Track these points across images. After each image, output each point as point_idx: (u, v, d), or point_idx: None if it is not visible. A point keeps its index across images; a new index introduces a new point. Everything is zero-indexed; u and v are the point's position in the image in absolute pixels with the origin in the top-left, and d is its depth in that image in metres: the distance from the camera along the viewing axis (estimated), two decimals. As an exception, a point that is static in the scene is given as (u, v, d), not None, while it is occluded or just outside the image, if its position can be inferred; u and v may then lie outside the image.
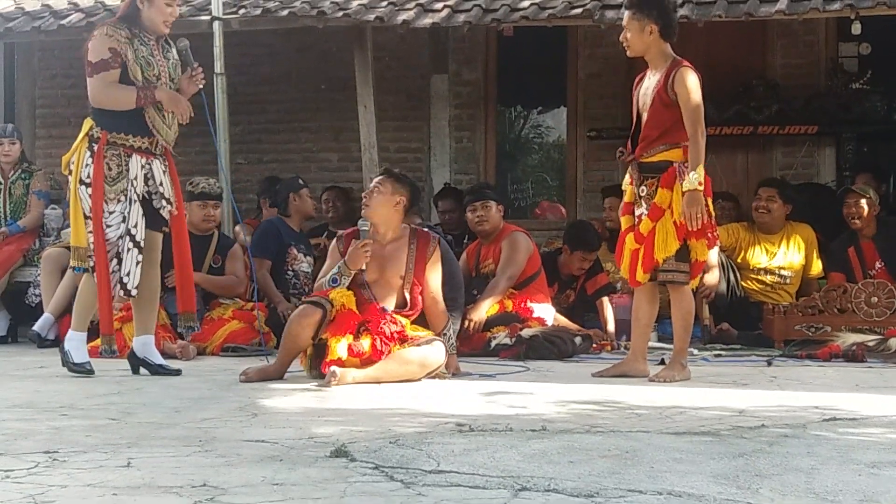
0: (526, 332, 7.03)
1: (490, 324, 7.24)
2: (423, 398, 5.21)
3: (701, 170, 5.75)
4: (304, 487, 3.25)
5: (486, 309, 7.29)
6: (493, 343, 7.11)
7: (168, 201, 6.22)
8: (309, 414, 4.72)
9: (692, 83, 5.83)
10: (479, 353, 7.04)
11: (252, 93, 10.46)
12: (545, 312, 7.41)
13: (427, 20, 8.48)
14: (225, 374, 6.20)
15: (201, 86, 6.28)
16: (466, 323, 7.20)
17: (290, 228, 8.29)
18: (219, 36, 8.56)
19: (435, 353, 5.81)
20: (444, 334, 5.96)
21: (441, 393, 5.40)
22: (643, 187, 5.95)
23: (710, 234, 5.91)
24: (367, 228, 6.02)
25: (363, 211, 6.11)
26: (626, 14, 6.02)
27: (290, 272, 8.14)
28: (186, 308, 6.41)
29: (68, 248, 8.06)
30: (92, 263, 6.01)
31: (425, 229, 6.25)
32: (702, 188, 5.76)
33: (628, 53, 6.11)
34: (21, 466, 3.54)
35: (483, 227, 7.71)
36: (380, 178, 6.17)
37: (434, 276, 6.06)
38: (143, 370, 6.15)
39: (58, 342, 7.83)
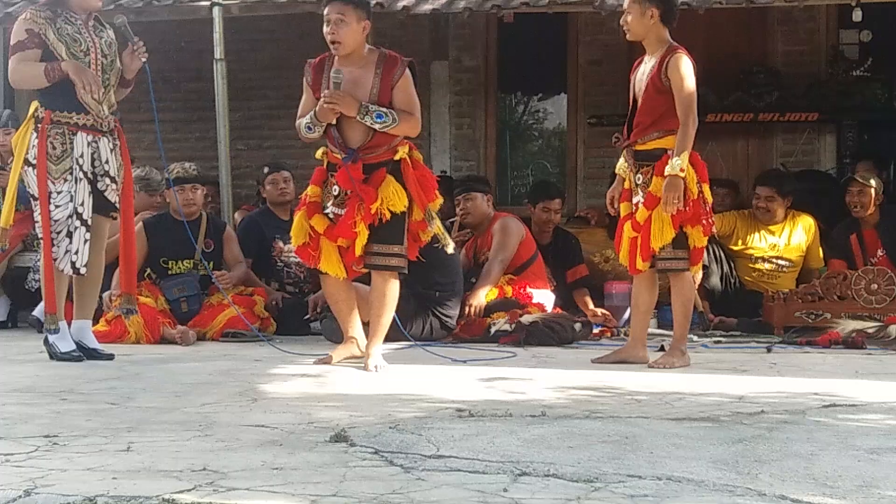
0: (526, 319, 7.03)
1: (490, 310, 7.25)
2: (423, 383, 5.22)
3: (685, 156, 5.74)
4: (303, 472, 3.26)
5: (484, 294, 7.30)
6: (493, 329, 7.10)
7: (113, 180, 6.15)
8: (309, 399, 4.72)
9: (686, 69, 5.82)
10: (479, 339, 7.04)
11: (252, 78, 10.46)
12: (545, 298, 7.43)
13: (427, 6, 8.47)
14: (225, 359, 6.21)
15: (143, 59, 6.23)
16: (466, 309, 7.22)
17: (277, 219, 8.20)
18: (219, 21, 8.54)
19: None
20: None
21: (441, 378, 5.40)
22: (639, 175, 5.95)
23: (704, 221, 5.89)
24: (339, 80, 5.73)
25: (333, 48, 5.80)
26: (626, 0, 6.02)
27: (279, 264, 8.12)
28: (128, 290, 6.39)
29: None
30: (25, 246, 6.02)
31: (395, 54, 5.89)
32: (683, 174, 5.73)
33: (628, 37, 6.10)
34: (21, 450, 3.54)
35: (466, 219, 7.80)
36: (338, 7, 5.81)
37: (400, 96, 5.77)
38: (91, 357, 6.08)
39: (58, 327, 7.86)
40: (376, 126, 5.70)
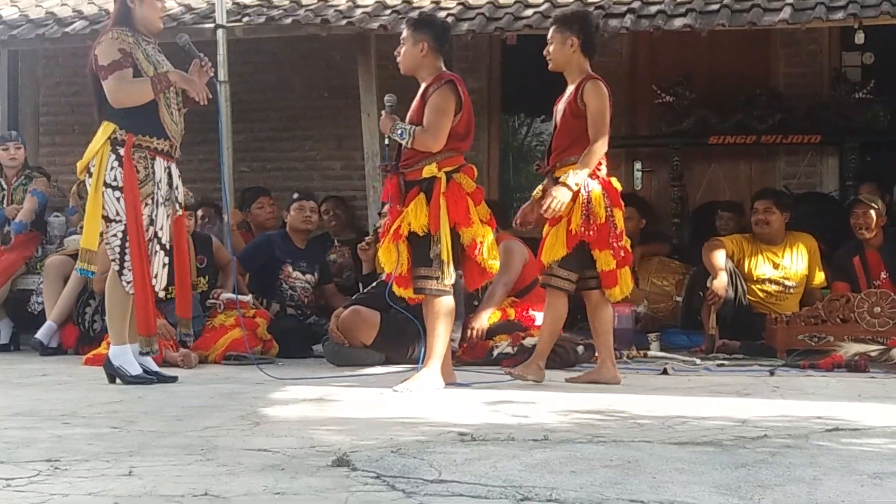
0: (528, 341, 7.01)
1: (492, 332, 7.25)
2: (425, 407, 5.21)
3: (583, 174, 5.90)
4: (305, 496, 3.25)
5: (486, 317, 7.30)
6: (496, 352, 7.10)
7: (181, 206, 6.29)
8: (310, 423, 4.72)
9: (599, 93, 6.00)
10: (482, 362, 7.04)
11: (256, 101, 10.47)
12: (547, 321, 7.41)
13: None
14: (227, 382, 6.20)
15: (211, 73, 6.31)
16: (468, 332, 7.22)
17: (292, 245, 8.25)
18: (222, 44, 8.58)
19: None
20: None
21: (443, 402, 5.39)
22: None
23: (614, 245, 6.00)
24: (391, 104, 6.06)
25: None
26: (551, 31, 6.23)
27: (284, 286, 8.14)
28: (184, 314, 6.42)
29: (71, 255, 8.16)
30: (116, 267, 6.01)
31: (444, 74, 6.02)
32: (576, 189, 5.89)
33: (549, 67, 6.25)
34: (22, 475, 3.54)
35: None
36: (403, 32, 6.12)
37: (426, 112, 5.92)
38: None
39: (60, 350, 7.88)
40: (397, 140, 5.94)
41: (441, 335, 5.92)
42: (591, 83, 6.03)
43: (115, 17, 6.22)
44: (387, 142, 6.11)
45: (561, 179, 5.92)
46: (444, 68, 6.05)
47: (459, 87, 5.99)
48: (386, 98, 6.14)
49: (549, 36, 6.20)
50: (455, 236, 5.88)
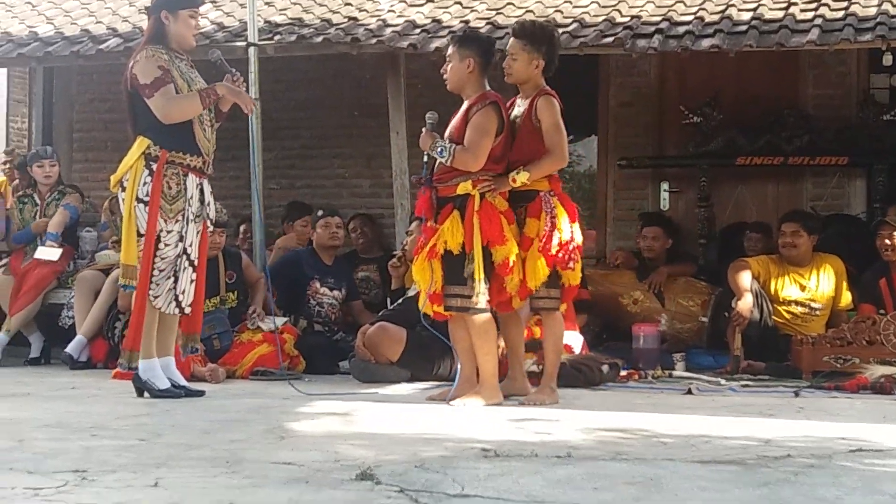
0: (553, 360, 7.03)
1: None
2: (450, 423, 5.24)
3: (527, 176, 5.97)
4: (329, 509, 3.29)
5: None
6: (521, 369, 7.11)
7: (212, 223, 6.37)
8: (335, 437, 4.76)
9: (552, 107, 6.07)
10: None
11: (286, 118, 10.55)
12: (573, 340, 7.43)
13: (459, 48, 8.51)
14: (254, 397, 6.26)
15: (243, 88, 6.39)
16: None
17: (320, 261, 8.32)
18: (254, 62, 8.65)
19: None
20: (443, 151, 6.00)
21: (467, 418, 5.43)
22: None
23: (572, 266, 6.10)
24: (432, 121, 6.16)
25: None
26: (515, 42, 6.21)
27: (312, 302, 8.20)
28: (192, 329, 6.47)
29: (102, 270, 8.25)
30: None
31: (487, 93, 6.11)
32: (515, 185, 5.98)
33: (507, 80, 6.28)
34: (51, 485, 3.59)
35: None
36: (448, 49, 6.21)
37: (468, 131, 6.01)
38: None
39: (90, 364, 7.95)
40: (436, 157, 6.01)
41: (487, 352, 6.01)
42: (545, 99, 6.09)
43: (149, 35, 6.29)
44: (426, 158, 6.16)
45: (511, 175, 6.00)
46: (487, 86, 6.12)
47: (503, 108, 6.05)
48: (427, 115, 6.21)
49: (510, 47, 6.23)
50: (486, 254, 5.93)
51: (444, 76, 6.21)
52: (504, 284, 6.02)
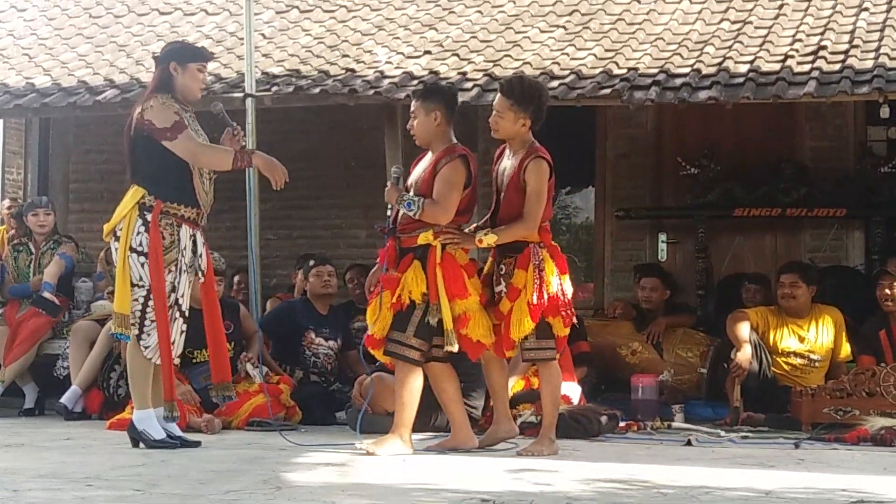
0: (551, 411, 7.00)
1: (516, 401, 7.20)
2: (448, 473, 5.20)
3: (495, 238, 5.99)
4: (326, 560, 3.24)
5: (510, 386, 7.28)
6: (519, 421, 7.05)
7: (204, 274, 6.31)
8: (333, 488, 4.71)
9: (540, 173, 6.04)
10: (505, 431, 7.01)
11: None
12: (571, 391, 7.39)
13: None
14: (250, 447, 6.21)
15: (244, 143, 6.40)
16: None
17: (314, 311, 8.30)
18: (251, 113, 8.67)
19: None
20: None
21: (464, 469, 5.38)
22: (502, 265, 6.14)
23: (564, 312, 6.09)
24: (397, 175, 6.19)
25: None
26: (502, 100, 6.16)
27: (307, 353, 8.17)
28: (223, 378, 6.42)
29: (98, 320, 8.22)
30: (136, 332, 6.04)
31: (454, 147, 6.11)
32: (482, 245, 6.02)
33: (493, 135, 6.27)
34: (45, 535, 3.55)
35: None
36: (412, 105, 6.23)
37: (436, 184, 6.01)
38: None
39: (84, 415, 7.90)
40: (403, 211, 6.01)
41: (407, 403, 6.02)
42: (535, 162, 6.05)
43: (155, 83, 6.29)
44: (388, 211, 6.18)
45: (478, 235, 6.02)
46: (454, 138, 6.14)
47: (471, 161, 6.08)
48: (392, 169, 6.28)
49: (497, 104, 6.19)
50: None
51: (411, 131, 6.24)
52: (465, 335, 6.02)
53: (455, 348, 5.99)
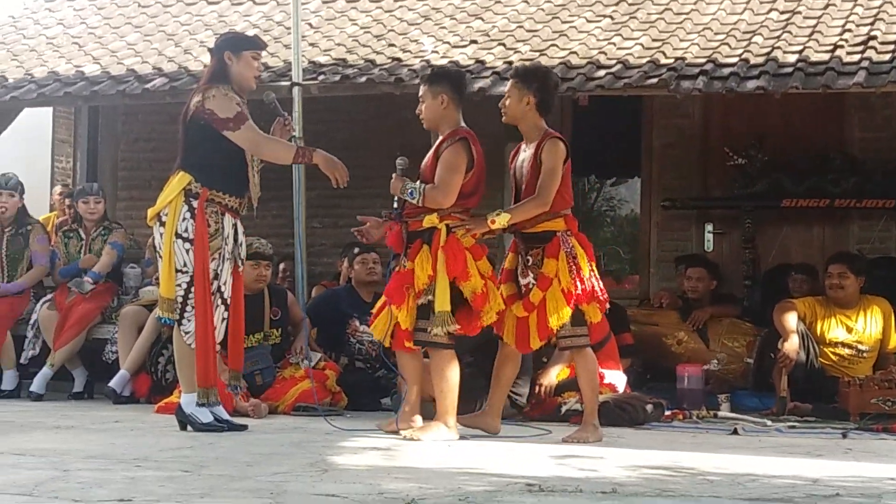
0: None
1: (561, 389, 7.23)
2: (494, 457, 5.22)
3: (507, 218, 5.98)
4: (373, 538, 3.27)
5: (555, 374, 7.29)
6: (564, 408, 7.09)
7: (242, 261, 6.36)
8: (379, 470, 4.74)
9: (556, 153, 6.05)
10: (550, 418, 7.02)
11: (329, 158, 10.58)
12: (617, 379, 7.38)
13: (502, 88, 8.47)
14: (296, 432, 6.25)
15: (294, 133, 6.43)
16: (536, 387, 7.21)
17: (359, 298, 8.32)
18: (298, 101, 8.70)
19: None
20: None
21: (512, 454, 5.39)
22: (529, 257, 6.13)
23: (598, 298, 6.10)
24: (402, 166, 6.20)
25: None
26: (509, 82, 6.29)
27: (352, 340, 8.20)
28: (235, 367, 6.45)
29: (146, 306, 8.28)
30: (177, 317, 6.09)
31: (457, 130, 6.14)
32: (493, 227, 6.01)
33: (503, 119, 6.32)
34: (96, 512, 3.59)
35: None
36: (420, 89, 6.26)
37: (439, 167, 6.05)
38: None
39: (132, 399, 7.98)
40: (407, 200, 6.07)
41: (447, 389, 6.01)
42: (551, 142, 6.08)
43: (211, 73, 6.32)
44: (395, 202, 6.19)
45: (489, 215, 6.02)
46: (462, 121, 6.17)
47: (473, 144, 6.09)
48: (398, 160, 6.28)
49: (507, 88, 6.30)
50: (455, 290, 5.96)
51: (420, 116, 6.27)
52: (480, 317, 6.03)
53: (451, 331, 5.96)
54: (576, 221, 6.23)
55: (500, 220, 6.01)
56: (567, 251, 6.04)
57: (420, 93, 6.28)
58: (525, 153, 6.20)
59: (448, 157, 6.05)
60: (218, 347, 6.27)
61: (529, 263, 6.12)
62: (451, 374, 6.04)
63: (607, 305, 6.28)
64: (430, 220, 6.03)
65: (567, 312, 6.00)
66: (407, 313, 6.02)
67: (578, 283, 5.99)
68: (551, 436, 6.26)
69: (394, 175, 6.19)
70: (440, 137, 6.16)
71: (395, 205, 6.17)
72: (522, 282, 6.17)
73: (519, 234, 6.19)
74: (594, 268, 6.12)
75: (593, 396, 6.18)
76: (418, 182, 6.08)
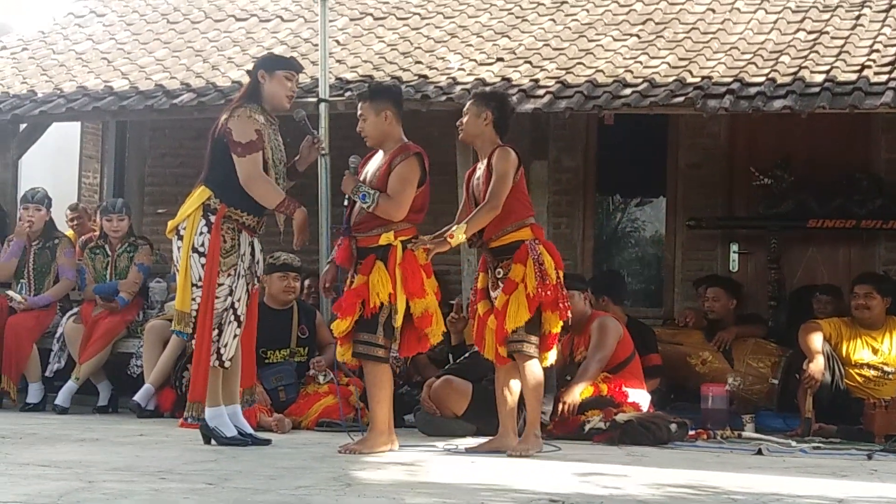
0: (621, 417, 6.99)
1: (584, 407, 7.21)
2: (516, 474, 5.21)
3: (463, 231, 6.05)
4: (397, 552, 3.27)
5: (578, 392, 7.27)
6: (587, 427, 7.06)
7: (258, 279, 6.40)
8: (402, 486, 4.74)
9: (507, 159, 6.14)
10: (573, 437, 7.01)
11: (355, 175, 10.60)
12: (640, 398, 7.37)
13: (529, 106, 8.56)
14: (319, 447, 6.26)
15: (324, 152, 6.46)
16: (560, 406, 7.20)
17: None
18: (325, 117, 8.74)
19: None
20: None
21: (532, 471, 5.38)
22: (499, 269, 6.18)
23: (561, 305, 6.14)
24: (354, 164, 6.25)
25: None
26: (468, 103, 6.42)
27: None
28: (246, 383, 6.45)
29: (170, 320, 8.29)
30: (189, 331, 6.13)
31: (409, 145, 6.20)
32: (453, 241, 6.06)
33: (460, 137, 6.49)
34: (120, 522, 3.60)
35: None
36: (359, 106, 6.27)
37: (391, 180, 6.06)
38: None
39: (157, 413, 8.01)
40: (358, 202, 6.06)
41: (380, 400, 6.07)
42: (501, 149, 6.18)
43: (245, 92, 6.36)
44: (345, 202, 6.17)
45: (449, 230, 6.09)
46: (404, 136, 6.25)
47: (425, 160, 6.17)
48: (350, 159, 6.31)
49: (465, 108, 6.42)
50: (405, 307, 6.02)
51: (361, 133, 6.26)
52: (425, 335, 6.10)
53: (396, 349, 6.07)
54: (542, 230, 6.32)
55: (458, 234, 6.07)
56: (535, 258, 6.10)
57: (359, 110, 6.28)
58: (480, 170, 6.30)
59: (402, 170, 6.09)
60: (227, 364, 6.22)
61: (500, 276, 6.18)
62: (390, 385, 6.14)
63: (567, 315, 6.28)
64: (386, 238, 6.04)
65: (525, 315, 6.05)
66: (347, 325, 6.04)
67: (545, 286, 6.04)
68: (575, 454, 6.24)
69: (346, 172, 6.21)
70: (385, 153, 6.17)
71: (346, 203, 6.15)
72: (493, 295, 6.23)
73: (487, 249, 6.25)
74: (561, 276, 6.18)
75: (537, 406, 6.22)
76: (373, 190, 6.07)
